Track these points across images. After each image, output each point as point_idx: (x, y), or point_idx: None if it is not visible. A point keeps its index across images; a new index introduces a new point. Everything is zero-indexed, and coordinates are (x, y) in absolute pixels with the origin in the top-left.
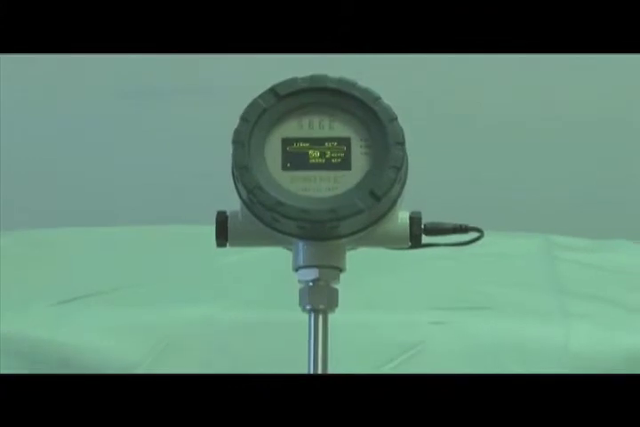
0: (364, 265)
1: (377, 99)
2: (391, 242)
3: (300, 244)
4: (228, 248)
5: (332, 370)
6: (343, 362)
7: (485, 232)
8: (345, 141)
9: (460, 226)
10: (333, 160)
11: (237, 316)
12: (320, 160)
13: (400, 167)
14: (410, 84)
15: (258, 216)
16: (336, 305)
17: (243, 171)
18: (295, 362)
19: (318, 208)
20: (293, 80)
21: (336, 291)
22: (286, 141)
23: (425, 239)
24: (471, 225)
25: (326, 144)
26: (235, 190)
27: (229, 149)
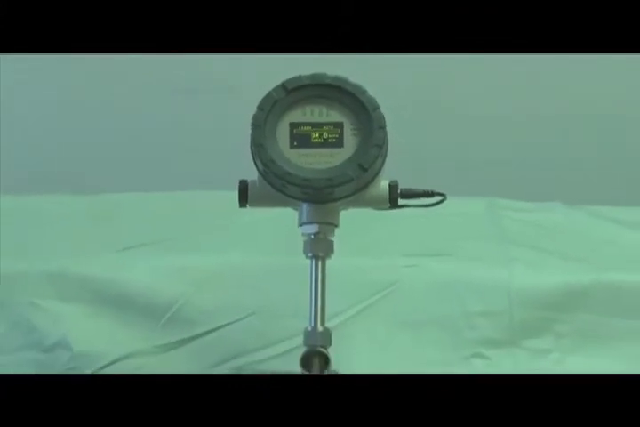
0: (353, 222)
1: (364, 92)
2: (375, 204)
3: (304, 205)
4: (248, 209)
5: (327, 300)
6: (337, 296)
7: (447, 196)
8: (339, 125)
9: (428, 191)
10: (330, 140)
11: (258, 260)
12: (319, 140)
13: (382, 145)
14: (409, 81)
15: (271, 184)
16: (332, 253)
17: (259, 148)
18: (301, 295)
19: (318, 177)
20: (299, 77)
21: (332, 242)
22: (293, 125)
23: (401, 202)
24: (437, 191)
25: (324, 127)
26: (253, 163)
27: (249, 132)
